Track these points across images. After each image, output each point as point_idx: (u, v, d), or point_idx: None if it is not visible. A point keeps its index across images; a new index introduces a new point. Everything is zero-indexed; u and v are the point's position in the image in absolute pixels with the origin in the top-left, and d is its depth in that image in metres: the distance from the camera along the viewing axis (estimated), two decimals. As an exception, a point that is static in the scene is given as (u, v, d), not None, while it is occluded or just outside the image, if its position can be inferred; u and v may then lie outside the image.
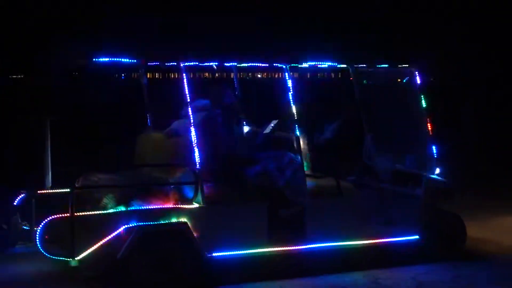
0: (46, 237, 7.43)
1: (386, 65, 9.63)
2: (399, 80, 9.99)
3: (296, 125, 8.71)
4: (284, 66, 8.65)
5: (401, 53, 9.76)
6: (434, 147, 9.41)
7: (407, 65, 9.54)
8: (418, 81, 9.47)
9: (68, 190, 7.44)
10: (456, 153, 10.24)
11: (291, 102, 8.65)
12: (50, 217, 7.46)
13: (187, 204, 7.97)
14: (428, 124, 9.40)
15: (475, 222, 10.31)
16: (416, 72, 9.48)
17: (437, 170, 9.37)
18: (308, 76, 9.74)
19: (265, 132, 9.24)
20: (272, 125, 9.31)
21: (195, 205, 7.96)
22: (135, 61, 8.78)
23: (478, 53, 22.01)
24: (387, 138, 9.61)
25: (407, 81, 9.64)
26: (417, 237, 9.07)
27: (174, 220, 7.83)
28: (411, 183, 9.30)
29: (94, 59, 8.13)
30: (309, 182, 8.66)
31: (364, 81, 10.02)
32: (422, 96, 9.44)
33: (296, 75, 8.89)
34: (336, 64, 9.29)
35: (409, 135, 9.48)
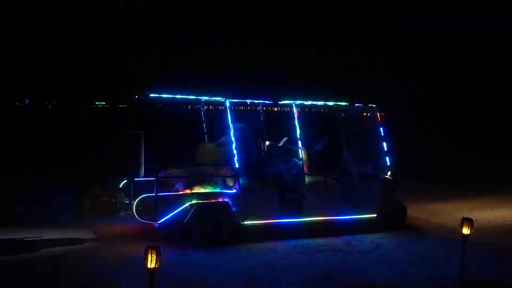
0: (140, 208, 7.65)
1: (357, 104, 9.60)
2: (364, 114, 9.96)
3: (299, 142, 8.83)
4: (292, 103, 8.76)
5: (367, 96, 9.68)
6: (386, 158, 9.33)
7: (369, 104, 9.44)
8: (376, 115, 9.36)
9: (154, 179, 7.59)
10: (400, 161, 10.22)
11: (297, 127, 8.75)
12: (142, 195, 7.67)
13: (228, 189, 8.07)
14: (383, 142, 9.32)
15: (412, 205, 10.20)
16: (375, 109, 9.37)
17: (388, 172, 9.32)
18: (306, 110, 9.79)
19: (279, 145, 9.40)
20: (283, 141, 9.45)
21: (234, 190, 8.06)
22: (197, 97, 8.99)
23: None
24: (357, 151, 9.79)
25: (370, 115, 9.57)
26: (375, 215, 9.07)
27: (220, 199, 7.96)
28: (371, 180, 9.30)
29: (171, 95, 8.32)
30: (307, 177, 8.74)
31: (342, 114, 10.16)
32: (379, 124, 9.36)
33: (299, 109, 8.97)
34: (324, 103, 9.32)
35: (371, 149, 9.48)
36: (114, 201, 7.80)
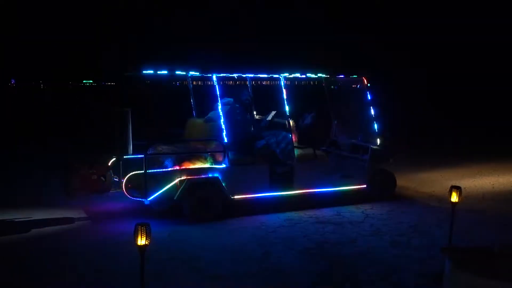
0: (129, 185, 7.61)
1: (347, 76, 9.58)
2: (353, 85, 9.92)
3: (288, 115, 8.75)
4: (280, 76, 8.67)
5: (357, 67, 9.63)
6: (376, 128, 9.33)
7: (358, 76, 9.44)
8: (365, 86, 9.36)
9: (143, 156, 7.54)
10: (391, 131, 10.22)
11: (285, 100, 8.68)
12: (131, 173, 7.65)
13: (218, 165, 8.07)
14: (373, 114, 9.31)
15: (401, 175, 10.31)
16: (364, 80, 9.36)
17: (378, 143, 9.29)
18: (296, 83, 9.69)
19: (267, 119, 9.34)
20: (272, 114, 9.39)
21: (223, 165, 8.05)
22: (184, 73, 8.85)
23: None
24: (346, 122, 9.79)
25: (359, 86, 9.53)
26: (364, 186, 9.13)
27: (210, 175, 7.94)
28: (361, 151, 9.32)
29: (157, 71, 8.20)
30: (296, 150, 8.71)
31: (332, 87, 10.11)
32: (369, 96, 9.34)
33: (288, 82, 8.87)
34: (314, 75, 9.29)
35: (360, 121, 9.48)
36: (103, 179, 7.72)
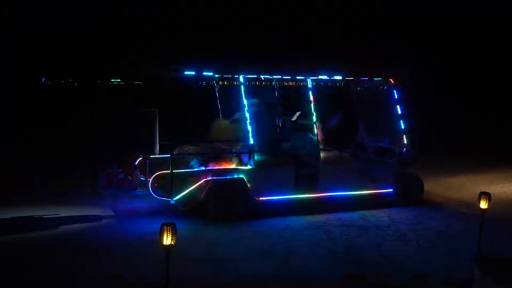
0: (155, 185, 7.69)
1: (373, 78, 9.44)
2: (381, 87, 9.74)
3: (314, 116, 8.65)
4: (307, 78, 8.61)
5: (384, 69, 9.44)
6: (403, 132, 9.15)
7: (385, 78, 9.25)
8: (392, 87, 9.19)
9: (169, 155, 7.64)
10: (418, 136, 10.07)
11: (311, 102, 8.58)
12: (158, 172, 7.73)
13: (243, 166, 8.10)
14: (401, 116, 9.14)
15: (429, 180, 10.17)
16: (391, 81, 9.19)
17: (405, 146, 9.12)
18: (322, 84, 9.60)
19: (292, 120, 9.28)
20: (297, 115, 9.31)
21: (249, 166, 8.07)
22: (211, 74, 8.81)
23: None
24: (373, 125, 9.67)
25: (387, 88, 9.38)
26: (391, 190, 9.01)
27: (235, 176, 7.97)
28: (388, 154, 9.23)
29: (184, 71, 8.22)
30: (322, 153, 8.63)
31: (358, 88, 10.00)
32: (396, 98, 9.18)
33: (314, 84, 8.81)
34: (341, 77, 9.20)
35: (387, 124, 9.34)
36: (130, 178, 7.85)
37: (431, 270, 6.06)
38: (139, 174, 7.97)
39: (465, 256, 6.39)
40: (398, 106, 9.24)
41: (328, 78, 8.97)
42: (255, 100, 8.68)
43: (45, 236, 7.12)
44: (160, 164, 7.90)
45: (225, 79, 9.08)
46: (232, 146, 8.42)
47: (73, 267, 5.97)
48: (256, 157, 8.10)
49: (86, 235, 7.22)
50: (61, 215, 8.07)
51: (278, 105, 8.85)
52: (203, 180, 7.80)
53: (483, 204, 6.28)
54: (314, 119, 8.70)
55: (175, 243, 4.65)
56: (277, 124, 8.85)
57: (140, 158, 7.99)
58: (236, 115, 8.86)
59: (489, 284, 3.50)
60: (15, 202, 8.70)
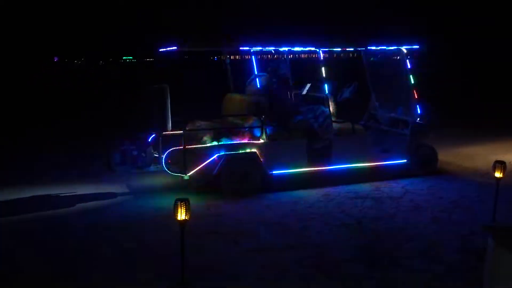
0: (169, 161, 7.72)
1: (385, 47, 9.18)
2: (394, 57, 9.55)
3: (326, 89, 8.59)
4: (318, 50, 8.51)
5: (397, 38, 9.25)
6: (417, 102, 9.00)
7: (399, 47, 9.03)
8: (405, 57, 9.01)
9: (181, 132, 7.65)
10: (432, 106, 9.94)
11: (323, 74, 8.52)
12: (171, 149, 7.76)
13: (256, 140, 8.09)
14: (414, 87, 8.97)
15: (443, 150, 10.10)
16: (404, 51, 9.01)
17: (418, 116, 8.99)
18: (335, 56, 9.47)
19: (303, 93, 9.22)
20: (307, 88, 9.23)
21: (261, 141, 8.07)
22: (221, 48, 8.78)
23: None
24: (386, 95, 9.56)
25: (400, 58, 9.19)
26: (405, 161, 8.95)
27: (248, 150, 7.97)
28: (401, 125, 9.15)
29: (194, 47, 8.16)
30: (334, 125, 8.60)
31: (371, 59, 9.87)
32: (409, 68, 9.00)
33: (326, 55, 8.70)
34: (352, 47, 9.03)
35: (400, 93, 9.19)
36: (143, 155, 7.89)
37: (445, 239, 6.07)
38: (152, 150, 8.00)
39: (479, 225, 6.37)
40: (410, 77, 9.07)
41: (339, 49, 8.85)
42: (264, 74, 8.66)
43: (61, 214, 7.25)
44: (173, 140, 7.91)
45: (236, 53, 8.99)
46: (244, 121, 8.38)
47: (89, 242, 6.09)
48: (268, 131, 8.09)
49: (102, 212, 7.34)
50: (78, 193, 8.19)
51: (290, 79, 8.77)
52: (216, 155, 7.81)
53: (498, 173, 6.24)
54: (326, 91, 8.64)
55: (189, 218, 4.69)
56: (289, 97, 8.80)
57: (153, 135, 7.99)
58: (249, 87, 8.75)
59: (503, 253, 3.49)
60: (32, 182, 8.83)
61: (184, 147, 7.60)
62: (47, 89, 22.63)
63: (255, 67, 8.10)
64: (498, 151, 10.95)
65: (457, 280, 5.03)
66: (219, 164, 7.78)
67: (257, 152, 7.97)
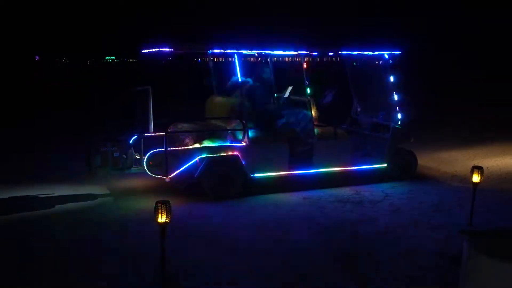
0: (150, 163, 7.67)
1: (367, 52, 9.20)
2: (376, 62, 9.54)
3: (308, 92, 8.61)
4: (300, 53, 8.50)
5: (378, 43, 9.29)
6: (398, 107, 9.10)
7: (380, 52, 9.07)
8: (387, 62, 9.11)
9: (163, 133, 7.60)
10: (412, 110, 10.04)
11: (305, 77, 8.55)
12: (152, 150, 7.70)
13: (238, 143, 8.10)
14: (394, 92, 9.09)
15: (423, 154, 10.22)
16: (386, 56, 9.10)
17: (399, 122, 9.08)
18: (317, 60, 9.48)
19: (284, 96, 9.23)
20: (288, 90, 9.21)
21: (243, 143, 8.07)
22: (205, 51, 8.73)
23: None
24: (367, 100, 9.65)
25: (381, 63, 9.26)
26: (385, 165, 9.03)
27: (230, 153, 7.97)
28: (382, 130, 9.24)
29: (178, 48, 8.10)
30: (316, 129, 8.65)
31: (353, 63, 9.93)
32: (390, 73, 9.10)
33: (308, 59, 8.74)
34: (333, 52, 9.08)
35: (382, 99, 9.29)
36: (125, 157, 7.86)
37: (424, 243, 6.14)
38: (133, 152, 7.96)
39: (457, 229, 6.44)
40: (392, 82, 9.15)
41: (321, 53, 8.89)
42: (248, 78, 8.65)
43: (39, 215, 7.16)
44: (154, 142, 7.84)
45: (219, 55, 8.96)
46: (226, 123, 8.37)
47: (69, 244, 6.03)
48: (250, 134, 8.09)
49: (81, 214, 7.25)
50: (56, 194, 8.10)
51: (272, 82, 8.80)
52: (198, 157, 7.79)
53: (476, 178, 6.33)
54: (309, 95, 8.66)
55: (170, 220, 4.67)
56: (271, 100, 8.80)
57: (135, 137, 7.96)
58: (232, 90, 8.72)
59: (478, 257, 3.56)
60: (11, 182, 8.71)
61: (166, 149, 7.57)
62: (27, 88, 22.32)
63: (238, 69, 8.06)
64: (476, 156, 11.12)
65: (434, 283, 5.10)
66: (200, 167, 7.77)
67: (239, 155, 7.97)
